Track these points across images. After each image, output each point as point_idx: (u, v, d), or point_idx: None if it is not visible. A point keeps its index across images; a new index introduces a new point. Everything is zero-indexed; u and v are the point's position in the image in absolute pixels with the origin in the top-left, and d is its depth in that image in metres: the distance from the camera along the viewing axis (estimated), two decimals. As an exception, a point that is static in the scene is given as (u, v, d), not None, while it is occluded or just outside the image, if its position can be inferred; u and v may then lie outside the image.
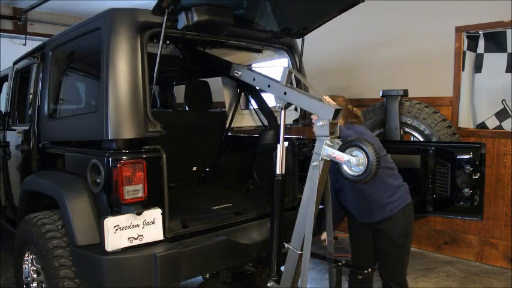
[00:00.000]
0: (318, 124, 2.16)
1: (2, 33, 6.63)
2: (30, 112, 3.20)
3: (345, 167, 2.11)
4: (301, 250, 2.26)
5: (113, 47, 2.26)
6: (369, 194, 2.57)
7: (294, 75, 2.80)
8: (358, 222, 2.75)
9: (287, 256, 2.37)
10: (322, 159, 2.16)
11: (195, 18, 2.30)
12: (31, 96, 3.20)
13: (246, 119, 3.83)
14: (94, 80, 2.49)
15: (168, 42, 2.86)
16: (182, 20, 2.34)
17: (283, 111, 2.45)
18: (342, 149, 2.10)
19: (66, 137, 2.80)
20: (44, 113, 2.96)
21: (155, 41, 2.41)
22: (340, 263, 2.45)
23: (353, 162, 2.04)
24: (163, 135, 2.33)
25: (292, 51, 3.19)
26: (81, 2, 6.45)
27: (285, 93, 2.37)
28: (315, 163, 2.19)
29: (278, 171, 2.47)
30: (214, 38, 2.72)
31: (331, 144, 2.13)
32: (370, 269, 2.50)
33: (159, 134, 2.32)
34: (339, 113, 2.16)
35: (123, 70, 2.25)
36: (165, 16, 2.28)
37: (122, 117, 2.23)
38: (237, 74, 2.71)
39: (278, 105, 2.44)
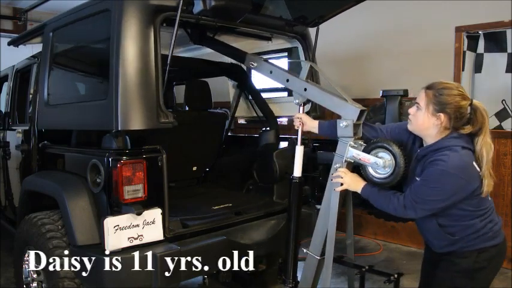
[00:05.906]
0: (340, 125, 2.09)
1: (2, 33, 6.61)
2: (30, 112, 3.18)
3: (370, 170, 2.02)
4: (322, 255, 2.18)
5: (123, 30, 2.12)
6: (440, 222, 2.00)
7: (312, 70, 2.67)
8: (428, 249, 2.26)
9: (305, 262, 2.27)
10: (345, 161, 2.08)
11: (213, 3, 2.21)
12: (31, 96, 3.19)
13: (249, 109, 3.82)
14: (101, 65, 2.39)
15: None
16: (199, 5, 2.24)
17: (301, 108, 2.38)
18: (367, 150, 2.02)
19: (66, 126, 2.73)
20: (44, 99, 2.85)
21: (164, 25, 2.31)
22: (363, 268, 2.28)
23: (380, 164, 1.96)
24: (162, 135, 2.32)
25: (305, 41, 3.13)
26: (82, 2, 6.44)
27: (305, 89, 2.29)
28: (337, 165, 2.11)
29: (295, 174, 2.37)
30: (230, 25, 2.63)
31: (355, 146, 2.05)
32: (396, 275, 2.24)
33: (171, 125, 2.23)
34: (364, 114, 2.10)
35: (134, 56, 2.13)
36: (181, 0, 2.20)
37: (132, 107, 2.13)
38: (253, 65, 2.61)
39: (297, 101, 2.36)
